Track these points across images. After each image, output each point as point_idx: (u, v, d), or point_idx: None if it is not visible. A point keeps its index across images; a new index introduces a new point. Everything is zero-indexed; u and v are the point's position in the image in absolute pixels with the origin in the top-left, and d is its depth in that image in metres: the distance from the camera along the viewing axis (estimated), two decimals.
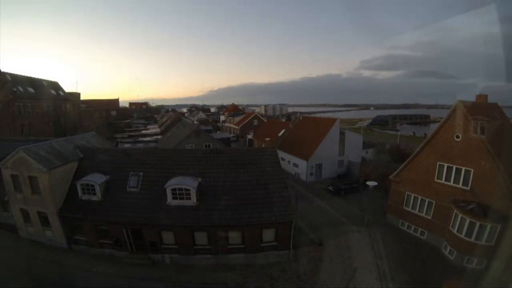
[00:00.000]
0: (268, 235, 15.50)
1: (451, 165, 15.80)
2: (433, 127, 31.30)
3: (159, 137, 38.57)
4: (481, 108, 16.08)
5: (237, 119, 60.64)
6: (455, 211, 14.97)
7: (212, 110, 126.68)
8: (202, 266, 15.35)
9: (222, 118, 79.69)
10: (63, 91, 50.50)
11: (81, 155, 17.96)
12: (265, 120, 56.28)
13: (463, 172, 15.24)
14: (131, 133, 45.04)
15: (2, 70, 36.80)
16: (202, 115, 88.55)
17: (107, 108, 68.29)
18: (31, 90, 40.53)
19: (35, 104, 40.44)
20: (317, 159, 28.90)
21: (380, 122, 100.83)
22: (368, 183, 19.33)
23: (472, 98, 17.52)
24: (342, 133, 30.83)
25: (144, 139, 37.60)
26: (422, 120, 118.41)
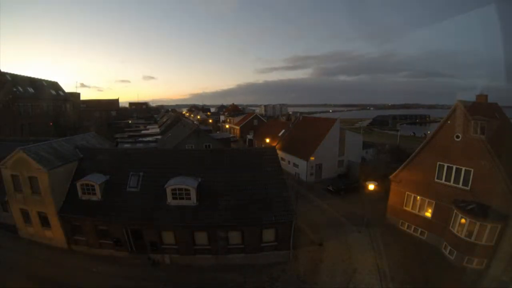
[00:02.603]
0: (268, 235, 15.49)
1: (451, 165, 15.80)
2: (433, 127, 31.22)
3: (159, 137, 38.54)
4: (481, 108, 16.08)
5: (237, 119, 60.59)
6: (455, 211, 14.97)
7: (212, 110, 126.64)
8: (202, 266, 15.34)
9: (222, 118, 79.69)
10: (63, 91, 50.54)
11: (81, 155, 17.95)
12: (265, 120, 56.25)
13: (463, 172, 15.24)
14: (131, 133, 45.00)
15: (2, 70, 36.84)
16: (202, 115, 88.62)
17: (107, 108, 68.23)
18: (31, 90, 40.54)
19: (35, 104, 40.45)
20: (317, 159, 28.88)
21: (380, 122, 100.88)
22: (368, 183, 19.31)
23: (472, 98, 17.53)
24: (342, 133, 30.81)
25: (144, 139, 37.54)
26: (422, 120, 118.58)
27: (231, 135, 50.12)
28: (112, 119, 65.20)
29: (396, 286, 13.41)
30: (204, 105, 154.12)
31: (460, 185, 15.37)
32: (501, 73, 15.57)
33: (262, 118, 58.94)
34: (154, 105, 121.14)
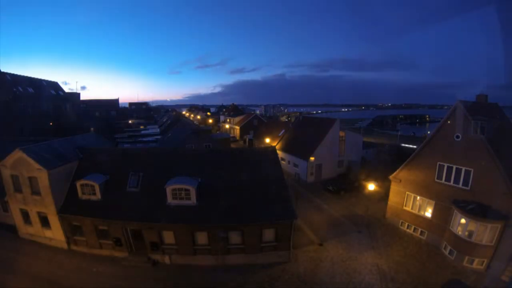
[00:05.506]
0: (268, 235, 15.48)
1: (451, 165, 15.79)
2: (433, 126, 31.22)
3: (159, 137, 38.55)
4: (481, 108, 16.08)
5: (237, 119, 60.58)
6: (455, 211, 14.97)
7: (212, 110, 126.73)
8: (202, 266, 15.35)
9: (222, 118, 79.72)
10: (63, 91, 50.54)
11: (81, 155, 17.95)
12: (265, 121, 56.26)
13: (463, 172, 15.23)
14: (131, 133, 44.97)
15: (2, 70, 36.85)
16: (202, 115, 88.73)
17: (107, 108, 68.13)
18: (31, 90, 40.54)
19: (35, 104, 40.41)
20: (317, 159, 28.88)
21: (380, 122, 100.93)
22: (368, 183, 19.32)
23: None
24: (342, 133, 30.81)
25: (144, 139, 37.55)
26: (422, 120, 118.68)
27: (231, 135, 50.14)
28: (112, 119, 65.11)
29: (396, 286, 13.41)
30: (204, 105, 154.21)
31: (460, 185, 15.36)
32: (501, 73, 15.60)
33: (262, 118, 58.97)
34: (154, 105, 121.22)
